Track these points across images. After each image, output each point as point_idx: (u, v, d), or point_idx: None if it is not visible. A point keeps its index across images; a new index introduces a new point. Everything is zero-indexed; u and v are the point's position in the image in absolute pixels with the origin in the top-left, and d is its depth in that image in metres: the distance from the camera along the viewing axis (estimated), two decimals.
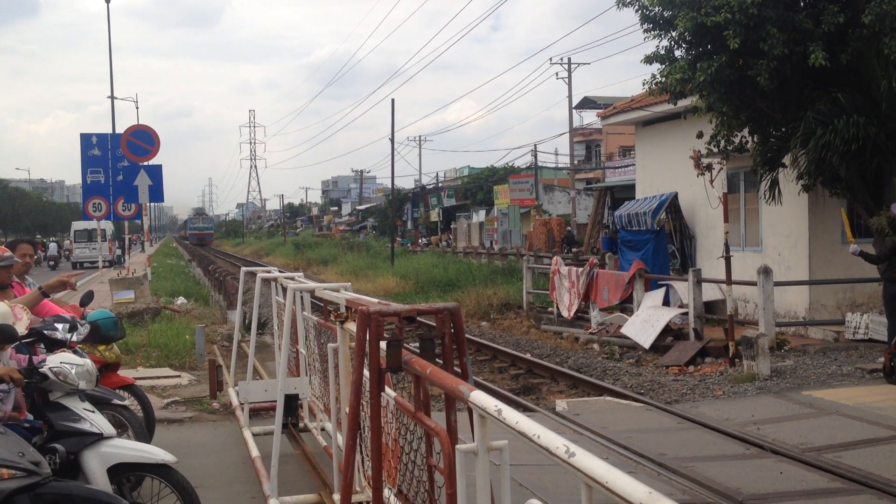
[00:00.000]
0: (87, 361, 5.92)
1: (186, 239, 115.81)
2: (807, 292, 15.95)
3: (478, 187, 66.32)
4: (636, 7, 14.28)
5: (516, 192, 52.09)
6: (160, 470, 5.47)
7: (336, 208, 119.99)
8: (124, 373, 9.64)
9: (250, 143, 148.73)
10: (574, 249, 37.95)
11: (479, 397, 2.97)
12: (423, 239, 66.78)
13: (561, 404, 11.25)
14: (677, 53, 14.53)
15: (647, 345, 15.39)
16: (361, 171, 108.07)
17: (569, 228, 44.82)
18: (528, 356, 15.92)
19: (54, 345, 6.02)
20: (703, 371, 13.43)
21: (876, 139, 12.86)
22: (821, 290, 15.85)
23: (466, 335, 17.83)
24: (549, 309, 21.09)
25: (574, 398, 12.02)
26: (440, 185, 78.33)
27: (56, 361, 5.63)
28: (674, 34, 14.13)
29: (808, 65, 12.69)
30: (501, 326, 21.13)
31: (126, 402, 7.15)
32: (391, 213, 54.05)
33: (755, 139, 14.99)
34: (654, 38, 14.45)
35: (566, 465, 2.35)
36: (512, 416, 2.75)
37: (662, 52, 14.60)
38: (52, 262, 54.93)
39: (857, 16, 12.68)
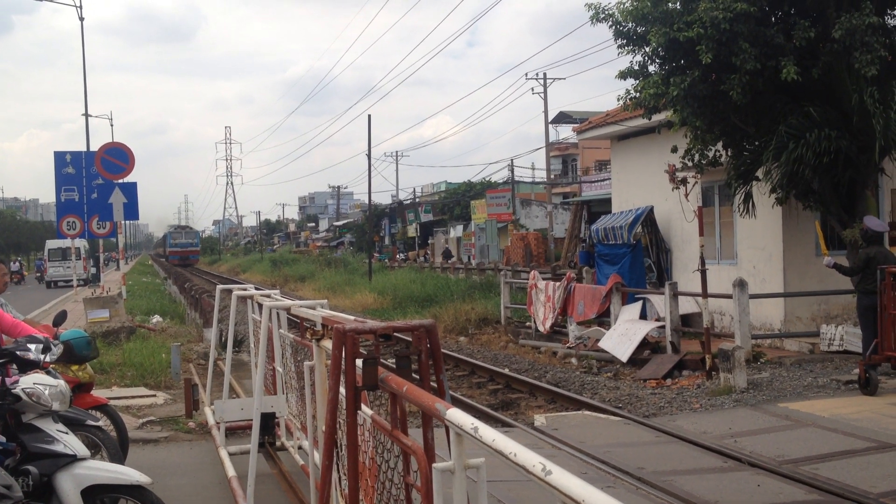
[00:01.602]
0: (61, 382, 5.86)
1: (165, 258, 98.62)
2: (782, 304, 16.07)
3: (455, 202, 66.45)
4: (610, 23, 14.39)
5: (493, 207, 52.26)
6: (135, 491, 5.41)
7: (313, 224, 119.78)
8: (98, 393, 9.55)
9: (226, 159, 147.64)
10: (451, 260, 40.88)
11: (455, 415, 2.96)
12: (401, 254, 66.76)
13: (539, 419, 11.25)
14: (651, 69, 14.67)
15: (624, 358, 15.43)
16: (338, 187, 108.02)
17: (447, 247, 48.07)
18: (506, 371, 15.92)
19: (27, 365, 5.95)
20: (680, 384, 13.47)
21: (848, 152, 13.00)
22: (796, 303, 15.97)
23: (444, 350, 17.70)
24: (527, 323, 21.11)
25: (552, 413, 12.02)
26: (417, 200, 78.41)
27: (29, 382, 5.56)
28: (647, 49, 14.26)
29: (780, 79, 12.84)
30: (479, 341, 21.11)
31: (100, 423, 7.07)
32: (368, 229, 54.05)
33: (729, 153, 15.12)
34: (628, 53, 14.58)
35: (543, 484, 2.34)
36: (488, 434, 2.73)
37: (636, 67, 14.74)
38: (15, 280, 54.68)
39: (827, 30, 12.84)
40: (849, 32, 12.38)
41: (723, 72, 13.25)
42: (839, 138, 12.84)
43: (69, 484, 5.30)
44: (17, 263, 62.78)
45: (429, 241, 64.81)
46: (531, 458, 2.44)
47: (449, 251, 52.11)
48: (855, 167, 13.37)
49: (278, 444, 8.45)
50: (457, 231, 59.86)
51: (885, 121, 12.52)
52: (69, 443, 5.48)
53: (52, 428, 5.54)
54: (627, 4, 14.05)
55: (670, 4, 13.68)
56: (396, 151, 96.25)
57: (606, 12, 14.42)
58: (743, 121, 14.27)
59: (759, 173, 14.55)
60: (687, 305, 16.85)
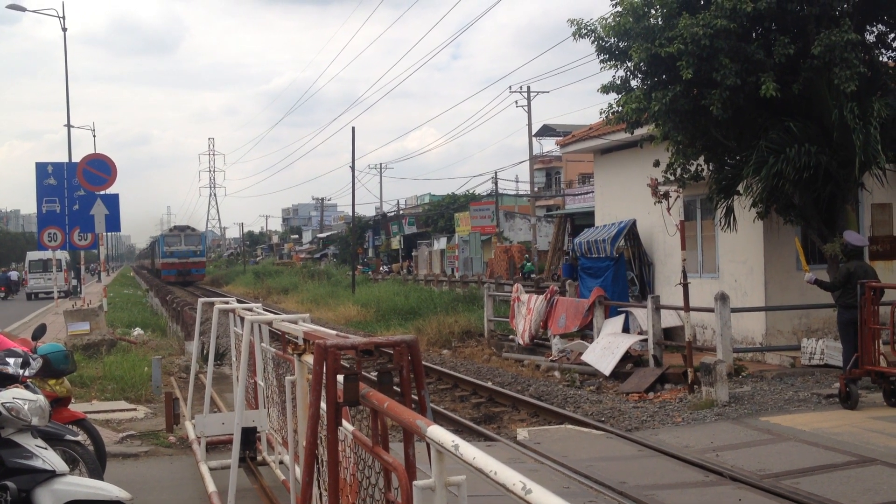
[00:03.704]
0: (40, 397, 5.83)
1: (153, 272, 74.51)
2: (763, 318, 16.15)
3: (439, 215, 66.55)
4: (592, 38, 14.46)
5: (477, 220, 52.35)
6: None
7: (297, 236, 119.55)
8: (78, 406, 9.49)
9: (209, 171, 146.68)
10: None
11: (436, 432, 2.96)
12: (385, 267, 66.71)
13: (522, 433, 11.24)
14: (633, 83, 14.73)
15: (607, 372, 15.45)
16: (322, 199, 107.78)
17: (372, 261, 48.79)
18: (489, 384, 15.90)
19: (6, 380, 5.91)
20: (662, 398, 13.50)
21: (828, 167, 13.10)
22: (777, 316, 16.05)
23: (428, 363, 17.63)
24: (511, 337, 21.12)
25: (535, 426, 12.01)
26: (401, 212, 78.45)
27: (8, 397, 5.53)
28: (629, 64, 14.33)
29: (760, 94, 12.91)
30: (463, 354, 21.10)
31: (79, 438, 7.01)
32: (352, 241, 54.02)
33: (710, 167, 15.21)
34: (611, 68, 14.64)
35: (523, 503, 2.34)
36: (469, 451, 2.73)
37: (618, 81, 14.80)
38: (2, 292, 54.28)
39: (807, 47, 12.96)
40: (828, 49, 12.50)
41: (704, 87, 13.34)
42: (819, 153, 12.93)
43: (48, 499, 5.26)
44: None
45: (412, 254, 64.80)
46: (511, 477, 2.44)
47: (368, 263, 51.47)
48: (835, 182, 13.46)
49: (259, 458, 8.40)
50: (440, 243, 59.88)
51: (865, 136, 12.61)
52: (48, 458, 5.44)
53: (31, 443, 5.49)
54: (609, 20, 14.13)
55: (652, 20, 13.77)
56: (380, 163, 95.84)
57: (589, 28, 14.50)
58: (724, 135, 14.35)
59: (741, 188, 14.63)
60: (669, 319, 16.90)
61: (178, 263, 64.65)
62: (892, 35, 14.30)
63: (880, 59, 14.37)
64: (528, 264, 43.51)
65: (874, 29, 14.33)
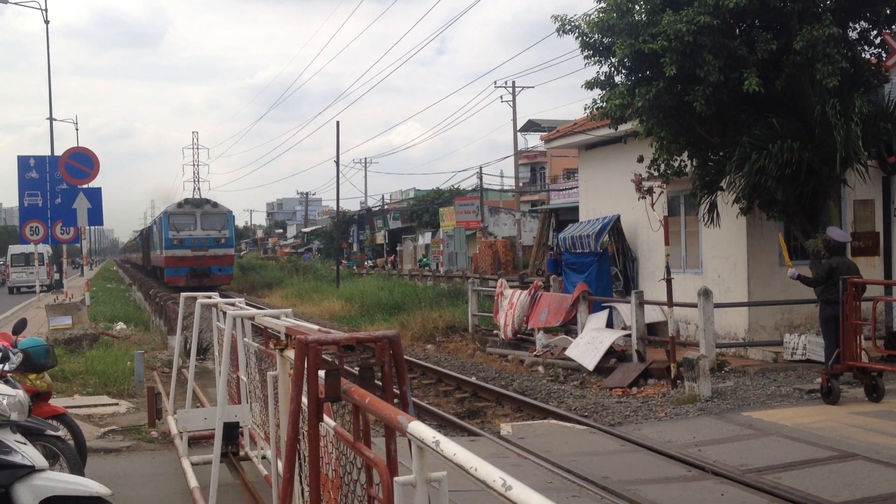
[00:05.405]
0: (20, 392, 5.78)
1: (148, 270, 54.38)
2: (746, 313, 16.21)
3: (423, 209, 66.46)
4: (576, 34, 14.46)
5: (462, 214, 52.28)
6: (94, 503, 5.34)
7: (281, 230, 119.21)
8: (60, 401, 9.43)
9: (193, 165, 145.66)
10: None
11: (416, 428, 2.95)
12: (369, 261, 66.60)
13: (506, 428, 11.25)
14: (617, 79, 14.75)
15: (590, 367, 15.48)
16: (307, 194, 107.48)
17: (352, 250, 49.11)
18: (473, 379, 15.90)
19: None
20: (645, 393, 13.54)
21: (810, 163, 13.14)
22: (760, 312, 16.12)
23: (411, 358, 17.59)
24: (495, 332, 21.12)
25: (519, 422, 12.02)
26: (386, 207, 78.32)
27: None
28: (613, 61, 14.35)
29: (743, 90, 12.95)
30: (447, 349, 21.09)
31: (59, 433, 6.97)
32: (337, 236, 53.89)
33: (694, 163, 15.24)
34: (595, 64, 14.66)
35: (503, 499, 2.33)
36: (449, 447, 2.73)
37: (602, 77, 14.82)
38: None
39: (790, 43, 13.00)
40: (810, 44, 12.54)
41: (687, 83, 13.36)
42: (801, 149, 12.97)
43: (27, 495, 5.22)
44: None
45: (397, 248, 64.73)
46: (492, 473, 2.44)
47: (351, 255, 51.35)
48: (817, 178, 13.51)
49: (242, 453, 8.38)
50: (425, 238, 59.81)
51: (847, 132, 12.66)
52: (27, 453, 5.40)
53: (10, 438, 5.45)
54: (593, 16, 14.14)
55: (635, 17, 13.78)
56: (365, 158, 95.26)
57: (573, 24, 14.49)
58: (708, 131, 14.39)
59: (724, 183, 14.67)
60: (653, 314, 16.94)
61: (192, 258, 41.97)
62: (875, 32, 14.36)
63: (862, 55, 14.43)
64: (424, 259, 48.13)
65: (856, 26, 14.39)
